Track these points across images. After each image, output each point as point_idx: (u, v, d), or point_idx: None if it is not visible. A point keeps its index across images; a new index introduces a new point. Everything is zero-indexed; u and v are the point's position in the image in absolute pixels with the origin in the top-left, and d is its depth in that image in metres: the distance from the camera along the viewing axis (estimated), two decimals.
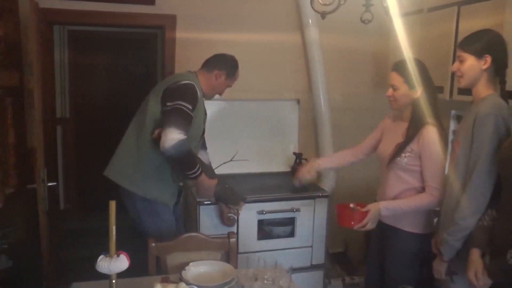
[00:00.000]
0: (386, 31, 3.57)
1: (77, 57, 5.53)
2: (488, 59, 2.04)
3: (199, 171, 2.66)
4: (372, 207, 2.39)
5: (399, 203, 2.37)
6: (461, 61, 2.12)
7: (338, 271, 3.91)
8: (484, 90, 2.09)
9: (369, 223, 2.39)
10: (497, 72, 2.08)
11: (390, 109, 2.53)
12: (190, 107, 2.57)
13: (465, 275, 2.00)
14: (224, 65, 2.88)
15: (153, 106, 2.68)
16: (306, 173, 2.84)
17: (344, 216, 2.50)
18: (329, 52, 3.91)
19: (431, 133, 2.30)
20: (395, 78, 2.39)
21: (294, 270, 2.55)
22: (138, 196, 2.71)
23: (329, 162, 3.00)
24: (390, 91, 2.42)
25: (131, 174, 2.72)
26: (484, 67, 2.06)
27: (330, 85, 3.92)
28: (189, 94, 2.62)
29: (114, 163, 2.81)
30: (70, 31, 5.38)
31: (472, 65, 2.08)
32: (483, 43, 2.07)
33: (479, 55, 2.06)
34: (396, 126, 2.51)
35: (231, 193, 2.94)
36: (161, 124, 2.54)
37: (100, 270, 1.68)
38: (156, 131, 2.62)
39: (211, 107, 3.43)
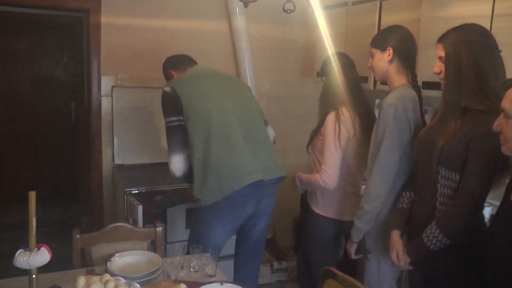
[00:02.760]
0: (313, 21, 3.64)
1: None
2: (390, 51, 2.16)
3: None
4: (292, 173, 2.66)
5: (303, 174, 2.58)
6: (372, 57, 2.25)
7: (266, 257, 3.97)
8: (396, 81, 2.19)
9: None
10: (404, 63, 2.18)
11: None
12: None
13: (388, 256, 2.07)
14: None
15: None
16: None
17: None
18: (256, 41, 3.94)
19: (329, 117, 2.45)
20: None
21: (223, 257, 2.58)
22: None
23: None
24: None
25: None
26: (389, 58, 2.17)
27: (258, 73, 3.96)
28: None
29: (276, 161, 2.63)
30: None
31: (379, 59, 2.20)
32: (385, 36, 2.20)
33: (382, 48, 2.18)
34: None
35: None
36: None
37: (18, 266, 1.58)
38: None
39: (133, 95, 3.48)
